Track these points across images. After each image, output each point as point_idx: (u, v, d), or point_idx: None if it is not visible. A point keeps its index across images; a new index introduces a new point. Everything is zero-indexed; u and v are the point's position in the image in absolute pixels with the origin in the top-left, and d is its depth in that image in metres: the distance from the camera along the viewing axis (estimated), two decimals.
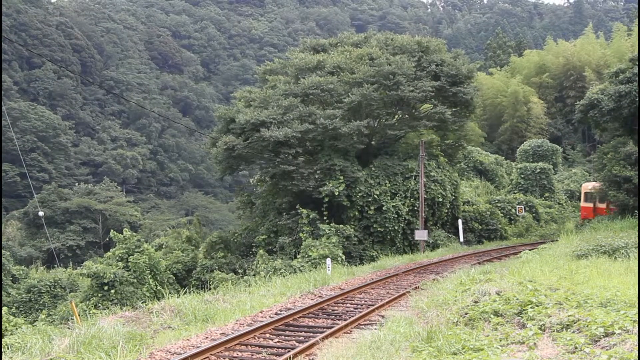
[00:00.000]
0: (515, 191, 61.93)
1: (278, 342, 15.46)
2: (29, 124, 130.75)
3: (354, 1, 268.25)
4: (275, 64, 53.44)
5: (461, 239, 47.42)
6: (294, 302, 20.68)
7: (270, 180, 47.04)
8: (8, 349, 15.27)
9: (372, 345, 13.72)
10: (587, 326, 12.80)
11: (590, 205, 52.94)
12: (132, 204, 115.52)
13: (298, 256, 38.21)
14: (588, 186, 53.84)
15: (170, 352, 14.11)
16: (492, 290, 17.96)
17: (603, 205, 52.29)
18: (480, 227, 52.58)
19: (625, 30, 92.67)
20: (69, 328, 16.77)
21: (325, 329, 16.41)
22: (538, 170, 61.60)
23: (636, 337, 11.57)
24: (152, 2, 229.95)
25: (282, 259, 38.99)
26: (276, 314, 18.51)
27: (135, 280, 39.08)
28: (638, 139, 46.25)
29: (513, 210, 56.74)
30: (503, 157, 75.20)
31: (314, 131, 42.46)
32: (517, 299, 16.04)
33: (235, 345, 14.79)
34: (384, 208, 43.85)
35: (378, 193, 43.84)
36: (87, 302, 37.01)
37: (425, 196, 45.21)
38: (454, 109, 48.61)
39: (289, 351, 14.32)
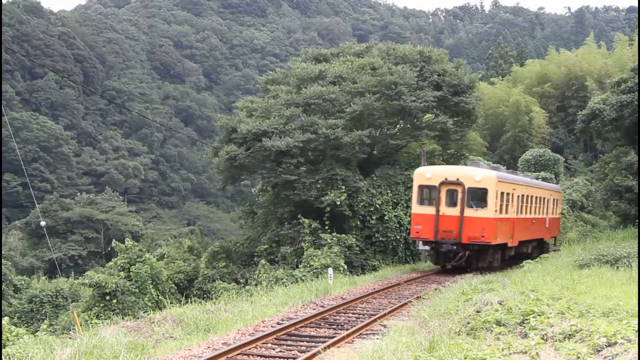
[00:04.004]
0: None
1: (280, 351, 15.45)
2: (31, 134, 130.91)
3: (355, 11, 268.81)
4: (277, 73, 53.49)
5: None
6: (296, 312, 20.67)
7: (272, 190, 47.05)
8: (10, 359, 15.27)
9: (374, 355, 13.72)
10: (590, 336, 12.80)
11: (431, 211, 31.96)
12: (134, 214, 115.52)
13: (300, 266, 38.19)
14: (425, 174, 32.86)
15: None
16: (494, 299, 17.96)
17: (452, 212, 31.65)
18: None
19: (627, 40, 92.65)
20: (70, 338, 16.79)
21: (327, 339, 16.39)
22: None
23: (638, 346, 11.57)
24: (154, 12, 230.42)
25: (284, 269, 38.98)
26: (278, 323, 18.50)
27: (137, 290, 39.05)
28: (639, 149, 46.29)
29: None
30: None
31: (315, 141, 42.48)
32: (519, 309, 16.04)
33: (237, 355, 14.78)
34: (385, 218, 43.82)
35: (380, 203, 43.83)
36: (89, 312, 36.99)
37: None
38: (455, 119, 48.61)
39: None
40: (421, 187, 32.83)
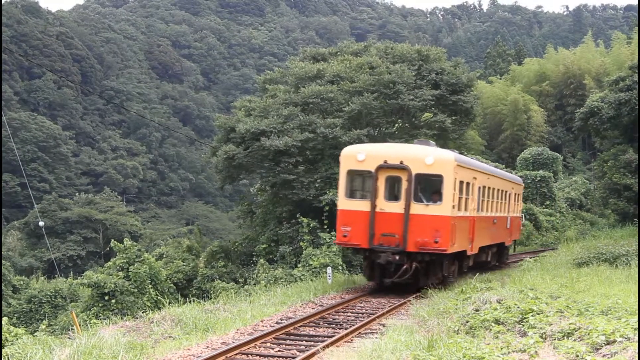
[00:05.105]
0: None
1: (279, 351, 15.44)
2: (30, 134, 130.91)
3: (353, 10, 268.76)
4: (275, 73, 53.48)
5: None
6: (295, 311, 20.67)
7: (271, 189, 47.02)
8: (9, 359, 15.27)
9: (373, 354, 13.74)
10: (588, 334, 12.82)
11: (364, 207, 23.90)
12: (133, 214, 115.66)
13: (299, 265, 38.17)
14: (357, 155, 24.32)
15: None
16: (493, 298, 17.99)
17: (394, 208, 23.49)
18: None
19: (625, 38, 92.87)
20: (69, 338, 16.78)
21: (326, 338, 16.38)
22: (538, 178, 61.52)
23: (637, 345, 11.58)
24: (152, 12, 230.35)
25: (283, 268, 38.95)
26: (277, 323, 18.49)
27: (135, 290, 39.05)
28: (638, 147, 46.31)
29: None
30: (503, 165, 75.01)
31: (314, 140, 42.45)
32: (518, 307, 16.06)
33: (236, 354, 14.77)
34: None
35: None
36: (88, 312, 36.99)
37: None
38: (454, 118, 48.62)
39: None
40: (351, 174, 24.62)
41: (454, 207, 23.58)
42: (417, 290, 23.86)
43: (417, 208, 23.19)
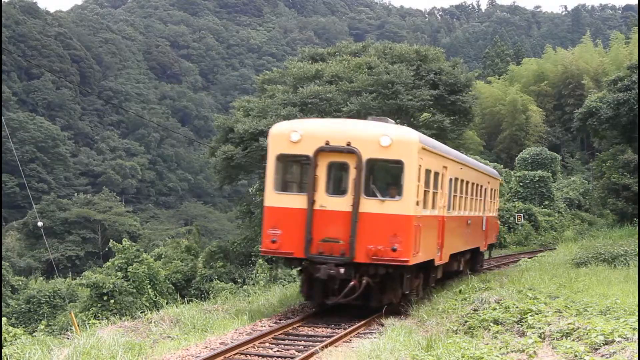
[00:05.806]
0: (514, 199, 61.89)
1: (277, 351, 15.43)
2: (28, 135, 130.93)
3: (352, 10, 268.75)
4: (274, 73, 53.43)
5: None
6: (294, 311, 20.65)
7: None
8: (7, 359, 15.26)
9: (371, 354, 13.73)
10: (587, 334, 12.83)
11: (299, 203, 18.18)
12: (131, 214, 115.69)
13: None
14: (290, 134, 18.34)
15: None
16: (491, 298, 18.00)
17: (338, 205, 17.95)
18: None
19: (623, 38, 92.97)
20: (68, 338, 16.77)
21: (324, 338, 16.36)
22: (537, 178, 61.58)
23: (636, 344, 11.60)
24: (150, 12, 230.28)
25: (282, 268, 38.95)
26: (275, 323, 18.46)
27: (134, 290, 39.05)
28: (638, 147, 46.31)
29: (512, 219, 56.60)
30: (502, 166, 75.25)
31: None
32: (517, 307, 16.08)
33: (234, 354, 14.75)
34: None
35: None
36: (86, 313, 36.97)
37: None
38: (452, 118, 48.57)
39: None
40: (282, 160, 19.02)
41: (417, 203, 18.45)
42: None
43: (369, 205, 17.92)
